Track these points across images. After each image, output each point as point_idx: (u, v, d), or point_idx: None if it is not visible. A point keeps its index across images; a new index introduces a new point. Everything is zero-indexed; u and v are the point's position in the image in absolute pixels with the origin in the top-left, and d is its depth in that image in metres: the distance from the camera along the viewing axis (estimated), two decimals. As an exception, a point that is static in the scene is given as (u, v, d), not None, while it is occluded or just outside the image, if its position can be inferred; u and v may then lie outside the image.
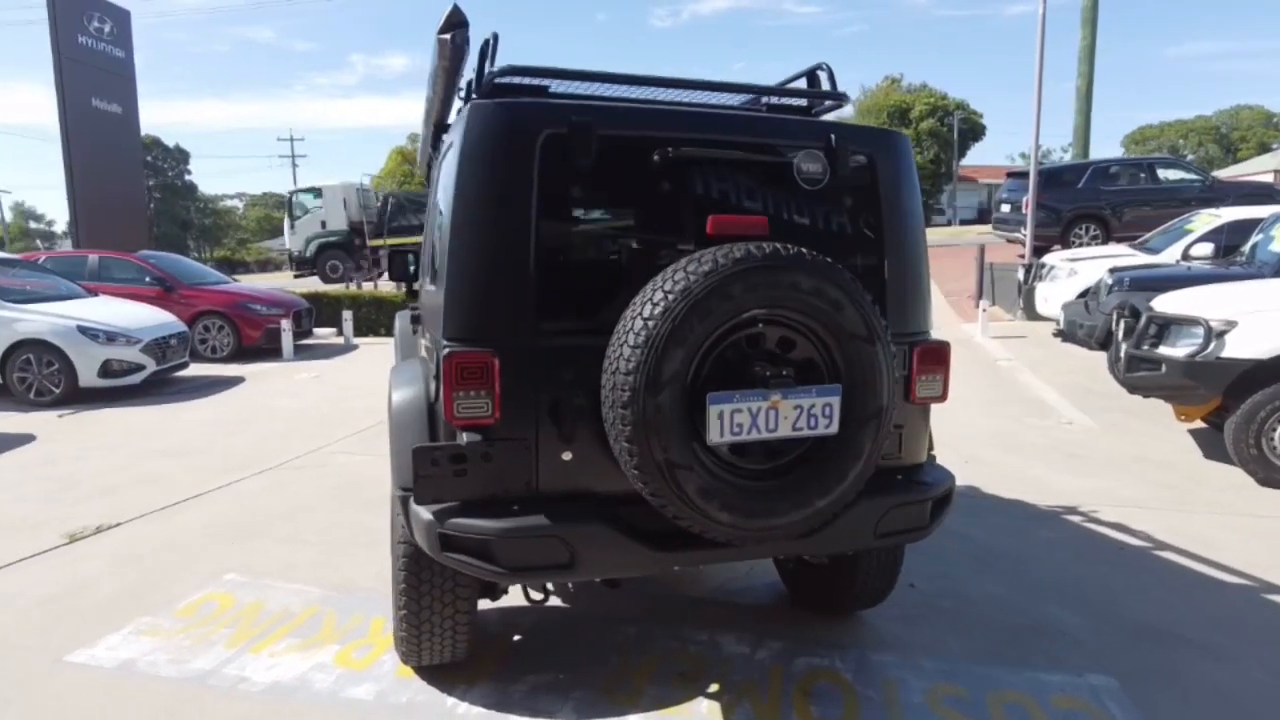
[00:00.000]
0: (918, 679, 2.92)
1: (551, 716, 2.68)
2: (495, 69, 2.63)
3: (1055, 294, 10.72)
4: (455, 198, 2.35)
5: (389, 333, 10.74)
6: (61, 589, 3.65)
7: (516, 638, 3.25)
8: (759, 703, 2.77)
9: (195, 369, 10.13)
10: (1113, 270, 8.79)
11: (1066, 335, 9.72)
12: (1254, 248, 7.60)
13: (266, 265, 43.82)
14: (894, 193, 2.67)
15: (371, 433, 6.63)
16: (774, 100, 3.25)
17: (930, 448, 3.00)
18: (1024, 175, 14.74)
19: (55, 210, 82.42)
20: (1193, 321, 5.38)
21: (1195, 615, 3.41)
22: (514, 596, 3.35)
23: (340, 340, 13.14)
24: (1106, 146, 77.98)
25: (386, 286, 15.84)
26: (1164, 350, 5.50)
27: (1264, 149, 49.00)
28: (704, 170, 2.48)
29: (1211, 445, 5.94)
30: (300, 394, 8.70)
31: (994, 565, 3.99)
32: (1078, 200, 14.56)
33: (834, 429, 2.22)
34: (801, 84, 3.17)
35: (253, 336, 11.35)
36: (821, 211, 2.61)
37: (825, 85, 3.02)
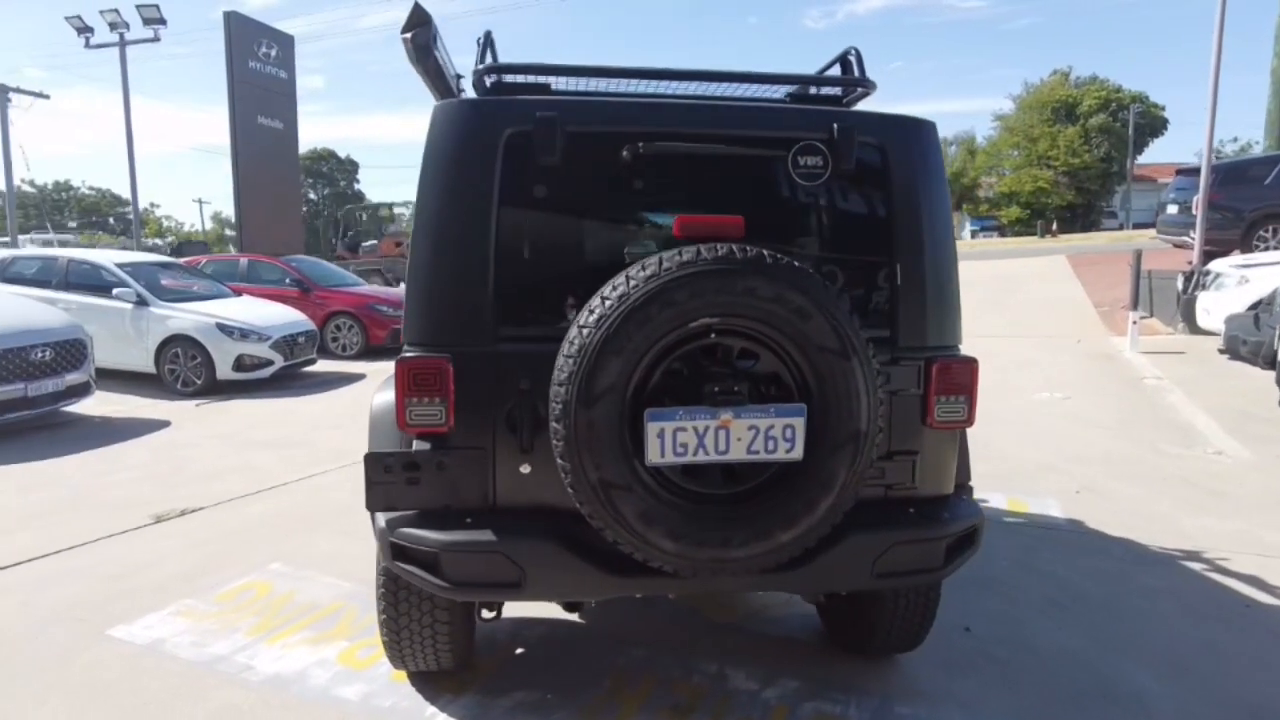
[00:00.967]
0: (939, 739, 2.57)
1: (524, 738, 2.57)
2: (481, 66, 2.56)
3: (1220, 305, 9.46)
4: (417, 199, 2.29)
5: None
6: (130, 566, 3.94)
7: (520, 650, 3.16)
8: (748, 747, 2.53)
9: (324, 365, 10.86)
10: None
11: (1230, 352, 8.54)
12: None
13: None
14: (910, 188, 2.35)
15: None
16: (808, 91, 2.99)
17: (964, 478, 2.64)
18: (1196, 172, 13.06)
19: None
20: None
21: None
22: (528, 607, 3.28)
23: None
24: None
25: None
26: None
27: None
28: (681, 167, 2.29)
29: (1394, 487, 4.97)
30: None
31: (1073, 612, 3.49)
32: (1265, 199, 12.69)
33: (797, 454, 1.97)
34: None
35: (379, 335, 12.03)
36: (821, 210, 2.35)
37: (854, 73, 2.73)
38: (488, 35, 2.67)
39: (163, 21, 19.17)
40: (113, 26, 19.50)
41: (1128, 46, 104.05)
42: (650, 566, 2.11)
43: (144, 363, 9.15)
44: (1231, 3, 12.14)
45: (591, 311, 1.93)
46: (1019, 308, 14.55)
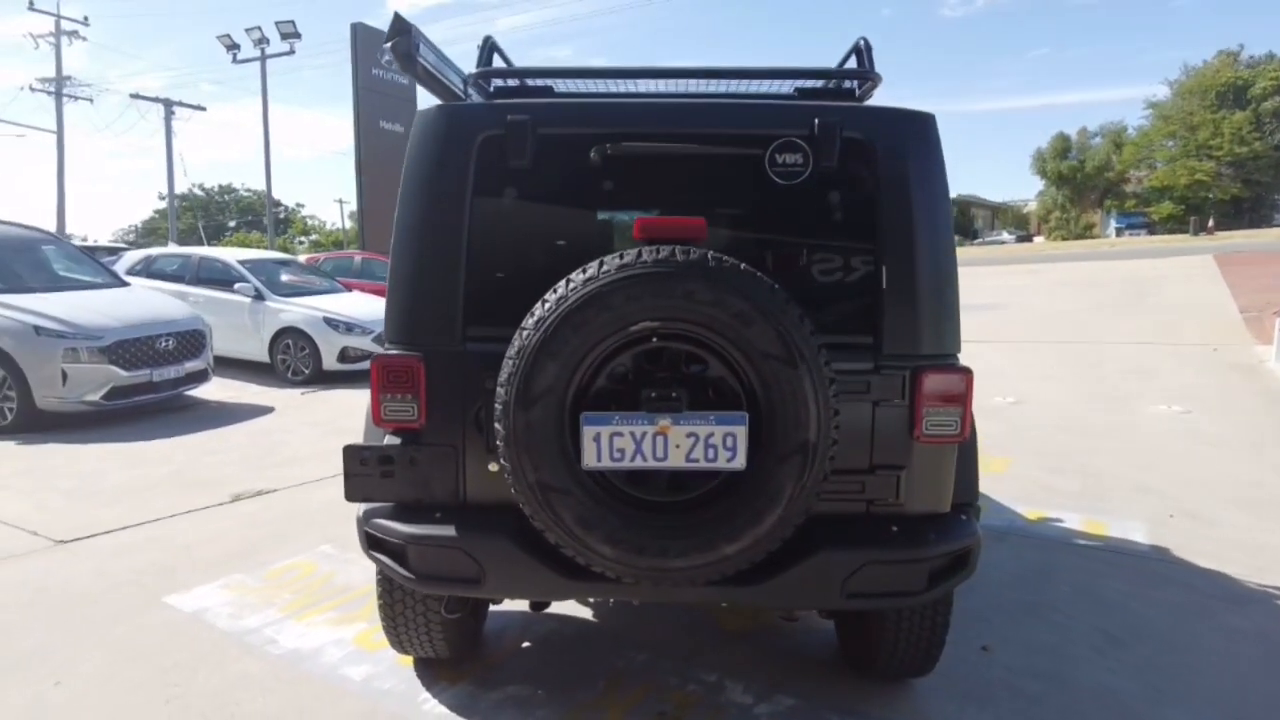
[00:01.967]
0: (933, 776, 2.41)
1: (504, 732, 2.60)
2: (475, 71, 2.60)
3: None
4: (399, 202, 2.36)
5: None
6: (199, 539, 4.28)
7: (525, 644, 3.20)
8: (724, 763, 2.46)
9: (424, 358, 11.36)
10: None
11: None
12: None
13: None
14: (899, 186, 2.20)
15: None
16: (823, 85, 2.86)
17: (968, 497, 2.45)
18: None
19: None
20: None
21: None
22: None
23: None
24: None
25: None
26: None
27: None
28: (656, 168, 2.24)
29: None
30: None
31: (1131, 650, 3.16)
32: None
33: (739, 464, 1.89)
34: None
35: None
36: (801, 210, 2.24)
37: (852, 67, 2.59)
38: (488, 40, 2.71)
39: (298, 35, 20.76)
40: (255, 43, 21.24)
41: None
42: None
43: (259, 352, 9.91)
44: None
45: (533, 314, 1.93)
46: (1149, 312, 13.34)
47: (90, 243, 20.98)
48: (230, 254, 11.18)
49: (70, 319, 7.09)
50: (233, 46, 21.93)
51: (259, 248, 29.43)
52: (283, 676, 2.92)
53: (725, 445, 1.89)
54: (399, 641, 2.81)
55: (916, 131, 2.23)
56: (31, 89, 27.19)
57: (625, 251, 1.91)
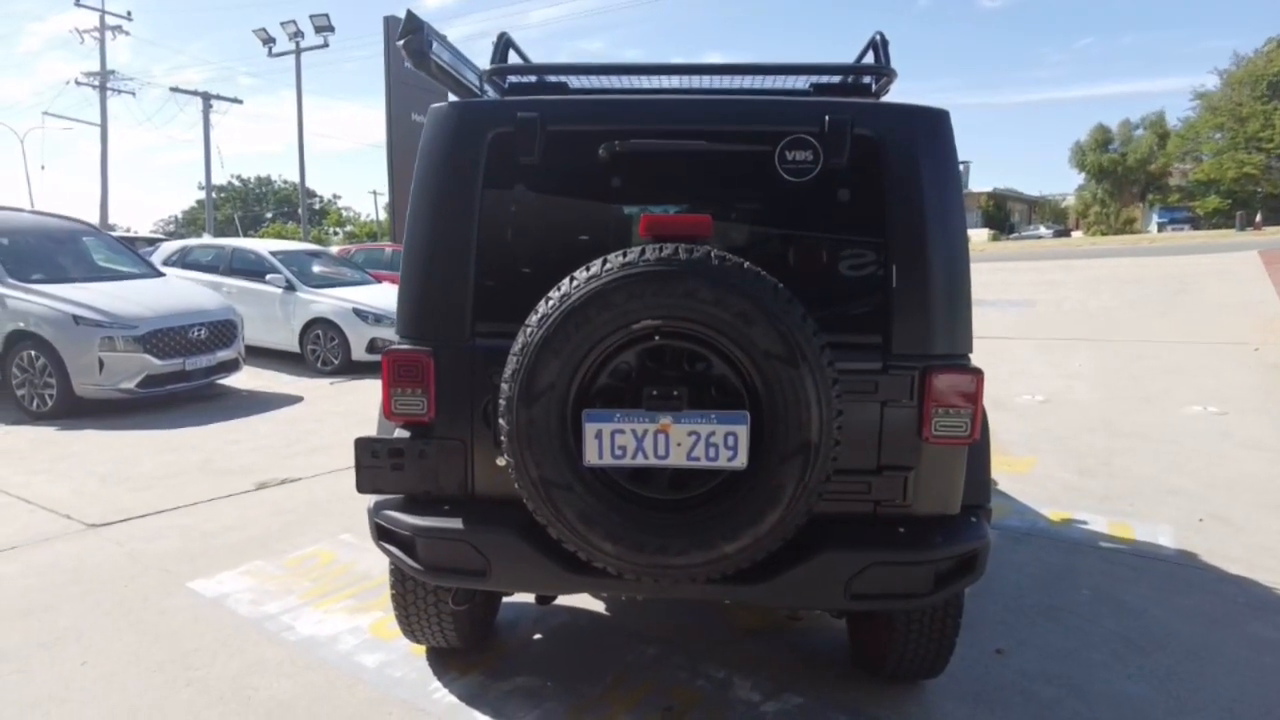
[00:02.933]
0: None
1: (510, 723, 2.63)
2: (489, 68, 2.62)
3: None
4: (411, 198, 2.39)
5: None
6: (224, 526, 4.38)
7: (538, 635, 3.23)
8: (728, 760, 2.46)
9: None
10: None
11: None
12: None
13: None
14: (910, 184, 2.18)
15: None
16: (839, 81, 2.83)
17: (980, 499, 2.42)
18: None
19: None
20: None
21: None
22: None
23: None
24: None
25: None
26: None
27: None
28: (664, 164, 2.24)
29: None
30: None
31: (1151, 657, 3.10)
32: None
33: (740, 463, 1.89)
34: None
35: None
36: (810, 207, 2.22)
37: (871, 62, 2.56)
38: (502, 36, 2.72)
39: (331, 29, 21.03)
40: (290, 37, 21.57)
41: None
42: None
43: (290, 342, 10.08)
44: None
45: (536, 311, 1.94)
46: (1188, 309, 13.00)
47: (131, 233, 21.52)
48: (262, 245, 11.37)
49: (107, 309, 7.28)
50: (268, 40, 22.33)
51: (294, 238, 29.95)
52: (298, 662, 2.99)
53: (726, 444, 1.89)
54: (411, 631, 2.86)
55: (929, 129, 2.20)
56: (77, 82, 28.00)
57: (628, 249, 1.91)
